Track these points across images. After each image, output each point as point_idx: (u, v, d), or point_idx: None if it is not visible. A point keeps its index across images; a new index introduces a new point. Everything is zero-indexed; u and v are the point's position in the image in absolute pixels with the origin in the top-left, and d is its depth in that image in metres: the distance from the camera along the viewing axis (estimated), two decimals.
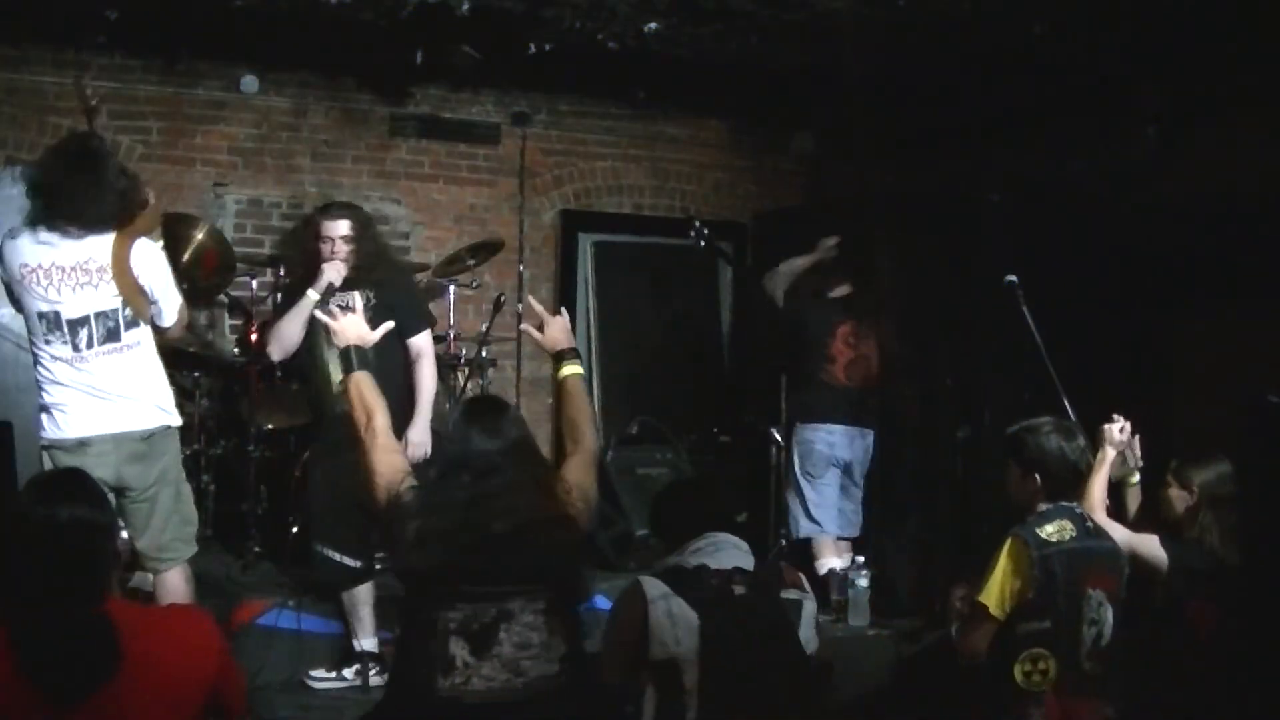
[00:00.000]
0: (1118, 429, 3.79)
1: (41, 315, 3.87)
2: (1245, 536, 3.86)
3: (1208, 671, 3.64)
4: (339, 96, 6.87)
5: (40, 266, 3.87)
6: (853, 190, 7.39)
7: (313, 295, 4.44)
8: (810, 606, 3.49)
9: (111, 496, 3.83)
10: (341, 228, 4.58)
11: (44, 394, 3.91)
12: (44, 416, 3.91)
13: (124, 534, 3.82)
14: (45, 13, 5.74)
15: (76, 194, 3.90)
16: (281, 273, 5.84)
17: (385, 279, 4.68)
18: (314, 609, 4.79)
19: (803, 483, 5.64)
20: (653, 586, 3.24)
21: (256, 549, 5.32)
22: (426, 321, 4.83)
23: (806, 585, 3.62)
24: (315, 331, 4.45)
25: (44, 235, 3.87)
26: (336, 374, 4.29)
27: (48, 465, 3.85)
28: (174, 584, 4.07)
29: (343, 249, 4.56)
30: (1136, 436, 3.88)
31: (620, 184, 7.55)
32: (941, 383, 5.85)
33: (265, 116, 6.73)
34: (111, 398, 3.91)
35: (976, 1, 5.21)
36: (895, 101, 6.27)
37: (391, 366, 4.39)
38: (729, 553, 3.38)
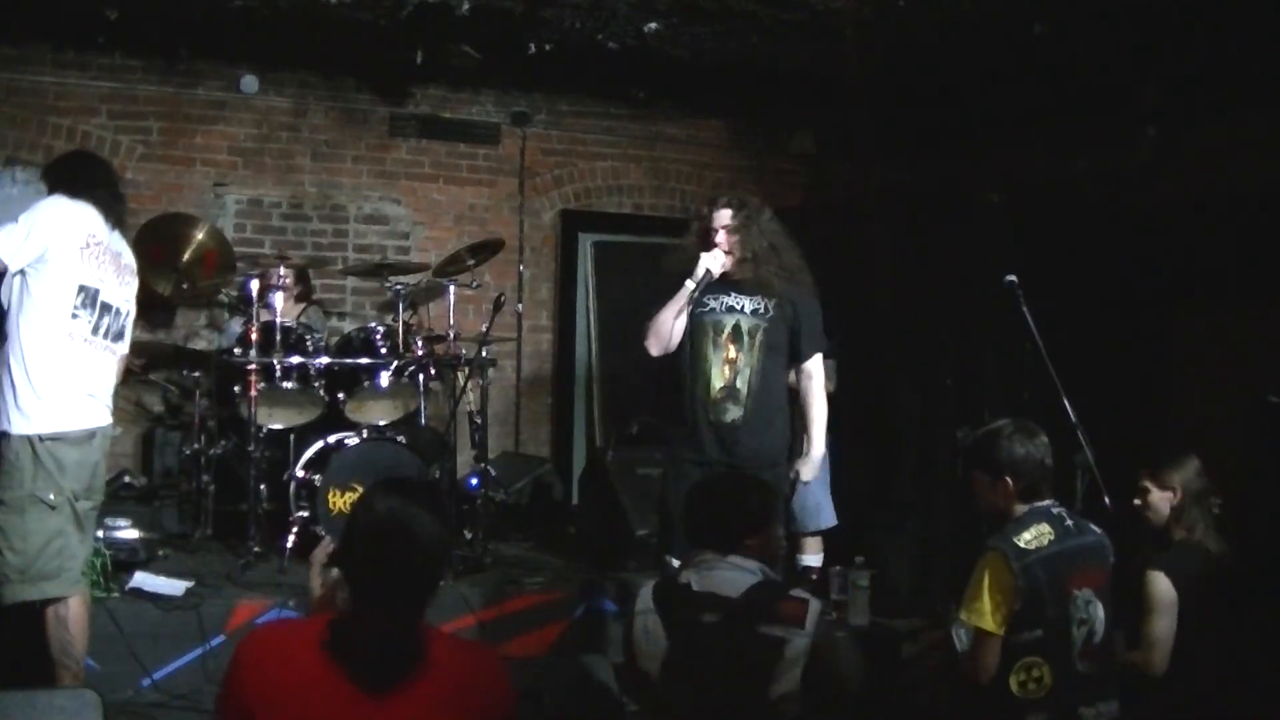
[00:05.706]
0: None
1: (82, 288, 3.76)
2: (1244, 534, 3.87)
3: (1208, 669, 3.65)
4: (339, 96, 6.87)
5: (99, 242, 3.82)
6: (853, 190, 7.40)
7: (690, 285, 4.29)
8: (800, 643, 3.01)
9: (71, 500, 3.74)
10: (724, 217, 4.37)
11: (43, 382, 3.69)
12: (36, 406, 3.68)
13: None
14: (45, 13, 5.75)
15: (113, 183, 3.97)
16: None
17: (789, 295, 4.35)
18: None
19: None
20: (643, 598, 3.19)
21: (256, 549, 5.30)
22: (821, 345, 4.50)
23: (809, 621, 3.07)
24: (701, 330, 4.35)
25: (97, 213, 3.82)
26: (718, 380, 4.28)
27: (43, 459, 3.67)
28: (82, 610, 3.82)
29: (726, 240, 4.34)
30: None
31: (620, 184, 7.55)
32: (941, 383, 5.85)
33: (265, 116, 6.73)
34: (99, 395, 3.88)
35: (976, 1, 5.21)
36: (895, 101, 6.27)
37: (776, 387, 4.31)
38: (721, 574, 3.13)
